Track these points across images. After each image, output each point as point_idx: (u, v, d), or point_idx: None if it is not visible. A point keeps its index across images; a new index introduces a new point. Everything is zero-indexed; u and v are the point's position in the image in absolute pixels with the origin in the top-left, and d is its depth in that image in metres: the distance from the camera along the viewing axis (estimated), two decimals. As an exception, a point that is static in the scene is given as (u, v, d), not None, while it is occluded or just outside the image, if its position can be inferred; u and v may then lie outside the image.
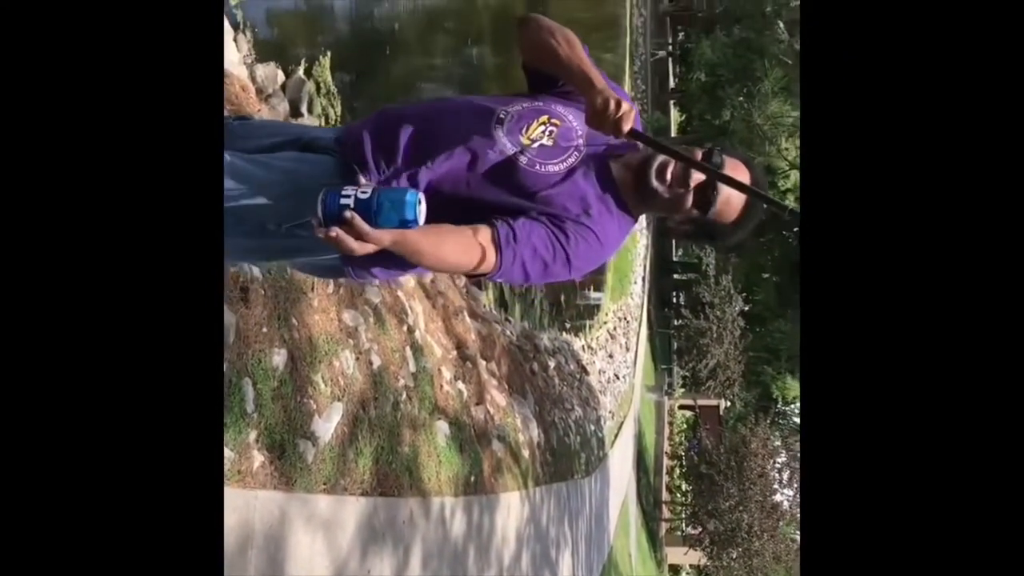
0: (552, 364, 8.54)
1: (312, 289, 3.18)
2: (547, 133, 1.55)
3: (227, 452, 2.31)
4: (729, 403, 27.02)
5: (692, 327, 23.84)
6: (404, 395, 3.79)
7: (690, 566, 24.78)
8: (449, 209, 1.47)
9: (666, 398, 29.46)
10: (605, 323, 14.41)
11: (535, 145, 1.54)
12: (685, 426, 30.11)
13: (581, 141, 1.58)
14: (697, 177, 1.55)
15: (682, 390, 30.13)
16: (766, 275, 23.81)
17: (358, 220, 1.24)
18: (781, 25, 17.26)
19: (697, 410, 29.59)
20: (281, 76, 3.92)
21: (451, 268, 1.51)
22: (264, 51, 3.86)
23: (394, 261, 1.50)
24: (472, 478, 4.50)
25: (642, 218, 1.80)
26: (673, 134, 26.14)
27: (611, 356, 14.60)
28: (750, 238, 1.79)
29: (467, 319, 5.63)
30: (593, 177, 1.57)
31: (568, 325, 11.02)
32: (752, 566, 18.65)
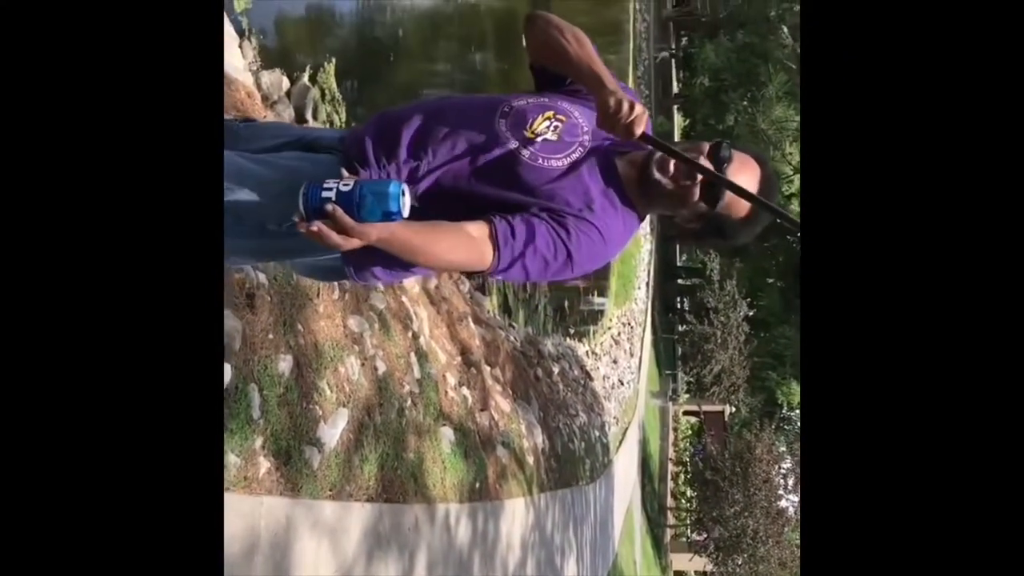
0: (556, 370, 8.53)
1: (318, 295, 3.18)
2: (552, 128, 1.52)
3: (233, 458, 2.31)
4: (734, 409, 26.93)
5: (697, 332, 23.80)
6: (409, 401, 3.79)
7: (695, 572, 24.69)
8: (450, 203, 1.45)
9: (671, 404, 29.40)
10: (609, 328, 14.40)
11: (539, 139, 1.50)
12: (690, 432, 30.06)
13: (587, 138, 1.54)
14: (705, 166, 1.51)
15: (687, 396, 30.04)
16: (771, 280, 23.80)
17: (339, 213, 1.21)
18: (785, 30, 17.28)
19: (702, 416, 29.53)
20: (286, 83, 3.93)
21: (446, 266, 1.47)
22: (269, 58, 3.87)
23: (394, 260, 1.48)
24: (477, 484, 4.49)
25: (645, 222, 1.77)
26: (676, 139, 26.13)
27: (615, 362, 14.58)
28: (756, 242, 1.74)
29: (471, 325, 5.63)
30: (597, 173, 1.54)
31: (572, 330, 11.01)
32: (758, 572, 18.59)
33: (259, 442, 2.48)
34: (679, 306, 31.75)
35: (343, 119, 4.38)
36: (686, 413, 31.26)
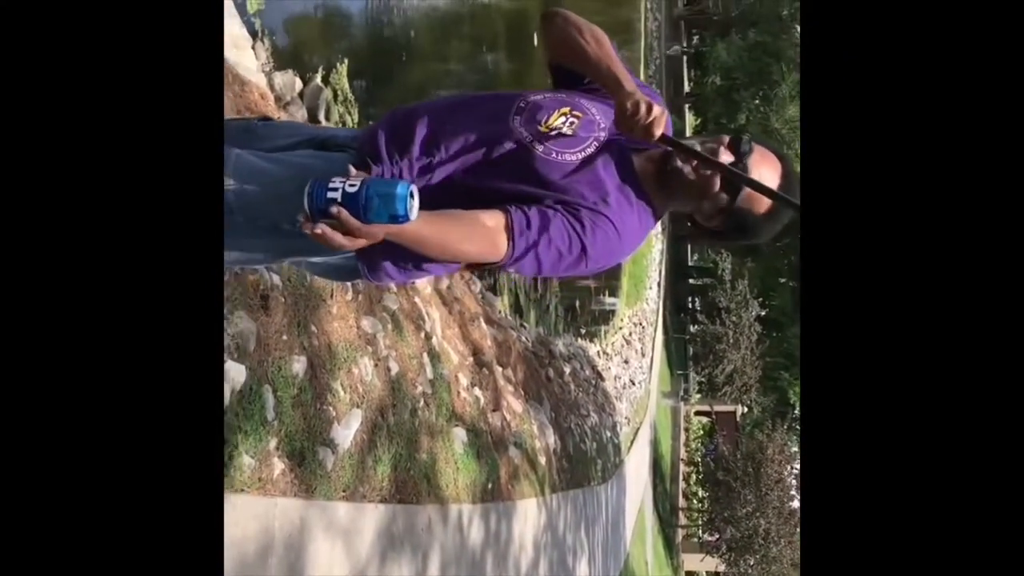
0: (567, 370, 8.53)
1: (331, 296, 3.18)
2: (568, 124, 1.49)
3: (247, 459, 2.32)
4: (746, 409, 26.88)
5: (708, 332, 23.77)
6: (422, 402, 3.79)
7: (707, 573, 24.64)
8: (462, 198, 1.42)
9: (682, 404, 29.34)
10: (620, 328, 14.38)
11: (553, 134, 1.47)
12: (701, 432, 30.01)
13: (603, 134, 1.51)
14: (725, 158, 1.47)
15: (698, 396, 30.01)
16: (783, 280, 23.71)
17: (345, 215, 1.17)
18: (797, 28, 17.20)
19: (713, 416, 29.48)
20: (299, 84, 3.94)
21: (458, 257, 1.41)
22: (282, 59, 3.88)
23: (407, 259, 1.47)
24: (489, 485, 4.49)
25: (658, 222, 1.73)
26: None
27: (626, 362, 14.57)
28: (768, 241, 1.69)
29: (483, 325, 5.64)
30: (613, 168, 1.50)
31: (583, 331, 11.00)
32: (770, 572, 18.54)
33: (273, 443, 2.48)
34: (691, 306, 31.70)
35: (355, 120, 4.38)
36: (698, 413, 31.21)
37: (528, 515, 5.37)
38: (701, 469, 22.45)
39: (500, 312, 6.69)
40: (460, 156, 1.47)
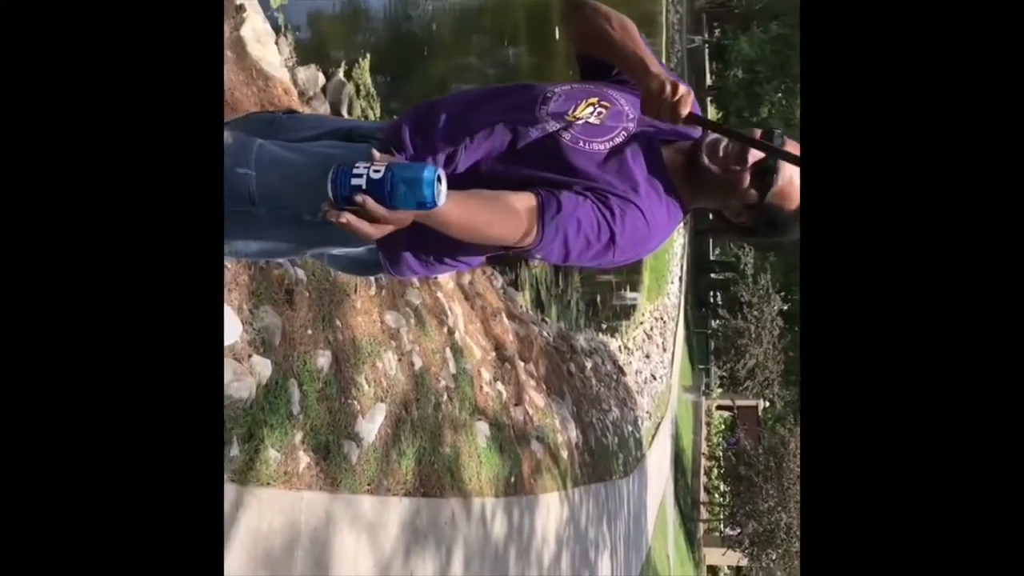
0: (589, 365, 8.52)
1: (355, 291, 3.19)
2: (595, 113, 1.47)
3: (273, 453, 2.33)
4: (768, 403, 26.72)
5: (730, 327, 23.63)
6: (445, 396, 3.80)
7: (728, 567, 24.57)
8: (489, 188, 1.40)
9: (703, 398, 29.24)
10: (642, 323, 14.34)
11: (580, 123, 1.45)
12: (723, 426, 29.88)
13: (631, 124, 1.48)
14: (755, 155, 1.44)
15: (720, 390, 29.86)
16: (805, 274, 23.47)
17: (371, 204, 1.13)
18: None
19: (735, 410, 29.33)
20: (322, 79, 3.95)
21: (487, 239, 1.36)
22: (305, 54, 3.89)
23: (429, 251, 1.46)
24: (512, 479, 4.50)
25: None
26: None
27: (648, 356, 14.52)
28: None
29: (505, 320, 5.64)
30: (642, 159, 1.47)
31: (604, 325, 10.99)
32: (792, 567, 18.42)
33: (299, 437, 2.49)
34: (712, 300, 31.54)
35: (378, 114, 4.39)
36: (719, 408, 31.07)
37: (550, 509, 5.38)
38: (722, 464, 22.36)
39: (522, 307, 6.68)
40: (485, 145, 1.45)
